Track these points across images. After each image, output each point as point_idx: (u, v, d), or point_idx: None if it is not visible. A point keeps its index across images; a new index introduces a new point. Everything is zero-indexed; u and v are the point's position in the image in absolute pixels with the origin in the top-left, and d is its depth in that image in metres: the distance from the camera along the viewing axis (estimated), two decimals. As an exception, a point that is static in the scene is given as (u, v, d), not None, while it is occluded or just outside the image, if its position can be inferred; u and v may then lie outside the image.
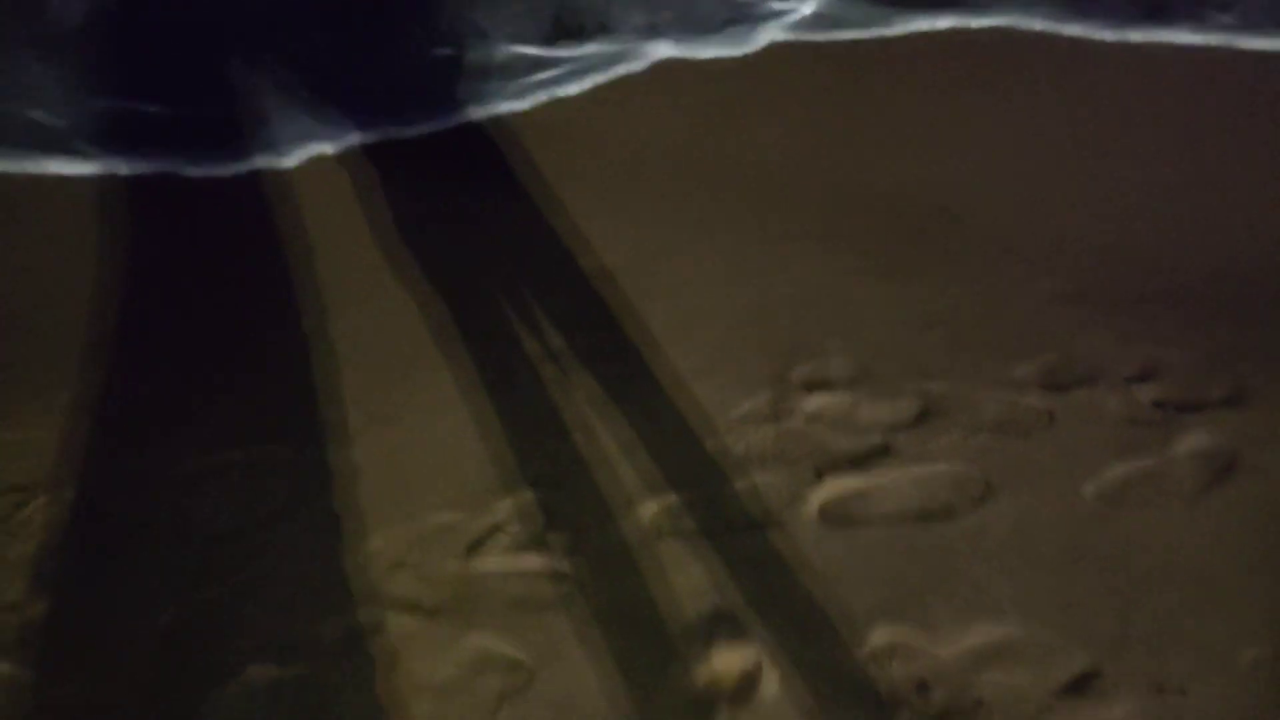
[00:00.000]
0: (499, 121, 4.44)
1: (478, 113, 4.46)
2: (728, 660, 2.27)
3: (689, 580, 2.45)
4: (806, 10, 4.94)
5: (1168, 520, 2.56)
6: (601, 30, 4.82)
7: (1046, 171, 4.02)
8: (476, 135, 4.36)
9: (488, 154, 4.22)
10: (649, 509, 2.62)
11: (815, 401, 2.93)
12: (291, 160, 4.16)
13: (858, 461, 2.74)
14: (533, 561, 2.51)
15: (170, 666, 2.30)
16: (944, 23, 4.88)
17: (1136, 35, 4.73)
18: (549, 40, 4.78)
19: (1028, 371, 3.00)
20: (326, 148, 4.21)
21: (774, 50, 4.84)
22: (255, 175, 4.12)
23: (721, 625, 2.35)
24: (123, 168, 4.04)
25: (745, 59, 4.80)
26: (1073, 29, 4.80)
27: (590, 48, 4.75)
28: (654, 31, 4.83)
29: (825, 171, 4.08)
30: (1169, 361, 3.02)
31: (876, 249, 3.59)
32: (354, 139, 4.26)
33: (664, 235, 3.71)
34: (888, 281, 3.42)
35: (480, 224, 3.79)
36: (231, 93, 4.44)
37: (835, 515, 2.61)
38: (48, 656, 2.33)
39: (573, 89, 4.61)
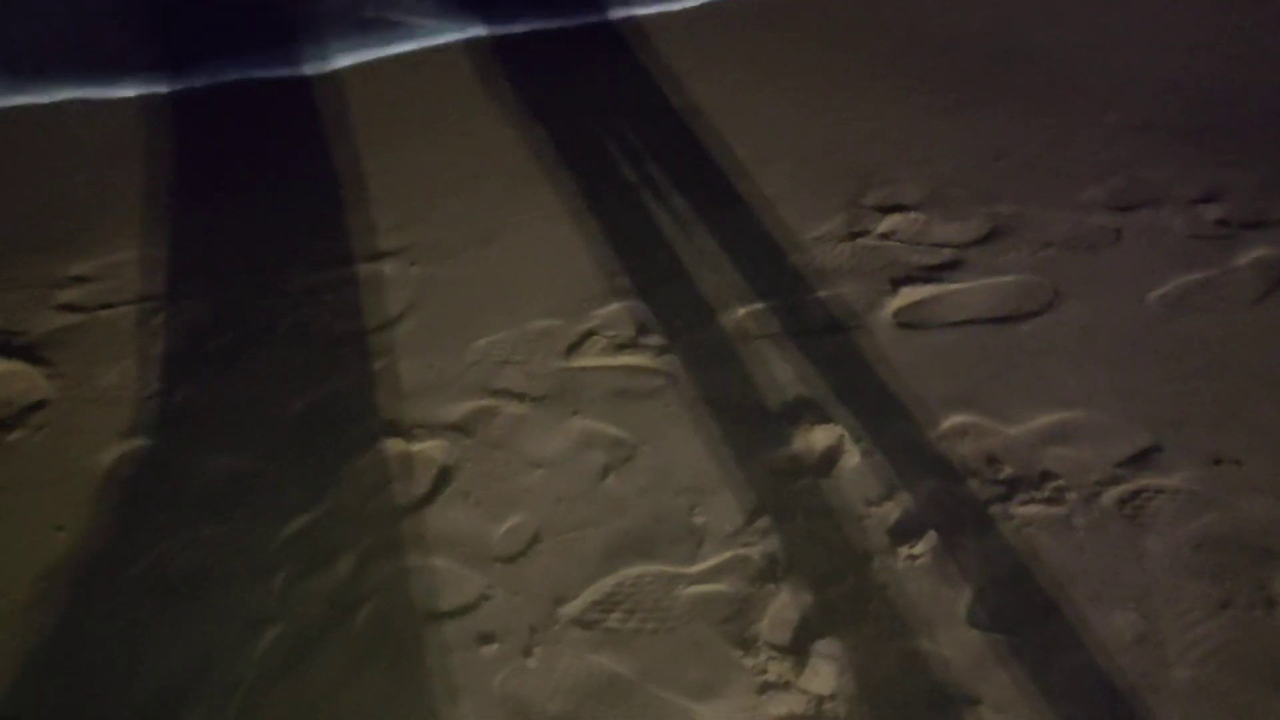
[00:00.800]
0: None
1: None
2: (812, 438, 2.48)
3: (775, 374, 2.65)
4: None
5: (1227, 321, 2.71)
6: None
7: (1111, 12, 4.06)
8: (572, 32, 4.44)
9: (580, 34, 4.31)
10: (736, 314, 2.81)
11: (889, 222, 3.08)
12: (411, 46, 4.30)
13: (931, 273, 2.90)
14: (629, 359, 2.72)
15: (306, 442, 2.53)
16: None
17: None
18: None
19: (1095, 194, 3.13)
20: (444, 39, 4.34)
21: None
22: (380, 61, 4.26)
23: (806, 411, 2.55)
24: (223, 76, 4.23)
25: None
26: None
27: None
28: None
29: (892, 17, 4.15)
30: (1232, 184, 3.13)
31: (943, 88, 3.69)
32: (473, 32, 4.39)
33: (743, 76, 3.83)
34: (955, 117, 3.53)
35: (571, 72, 3.93)
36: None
37: (910, 319, 2.78)
38: (192, 435, 2.57)
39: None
